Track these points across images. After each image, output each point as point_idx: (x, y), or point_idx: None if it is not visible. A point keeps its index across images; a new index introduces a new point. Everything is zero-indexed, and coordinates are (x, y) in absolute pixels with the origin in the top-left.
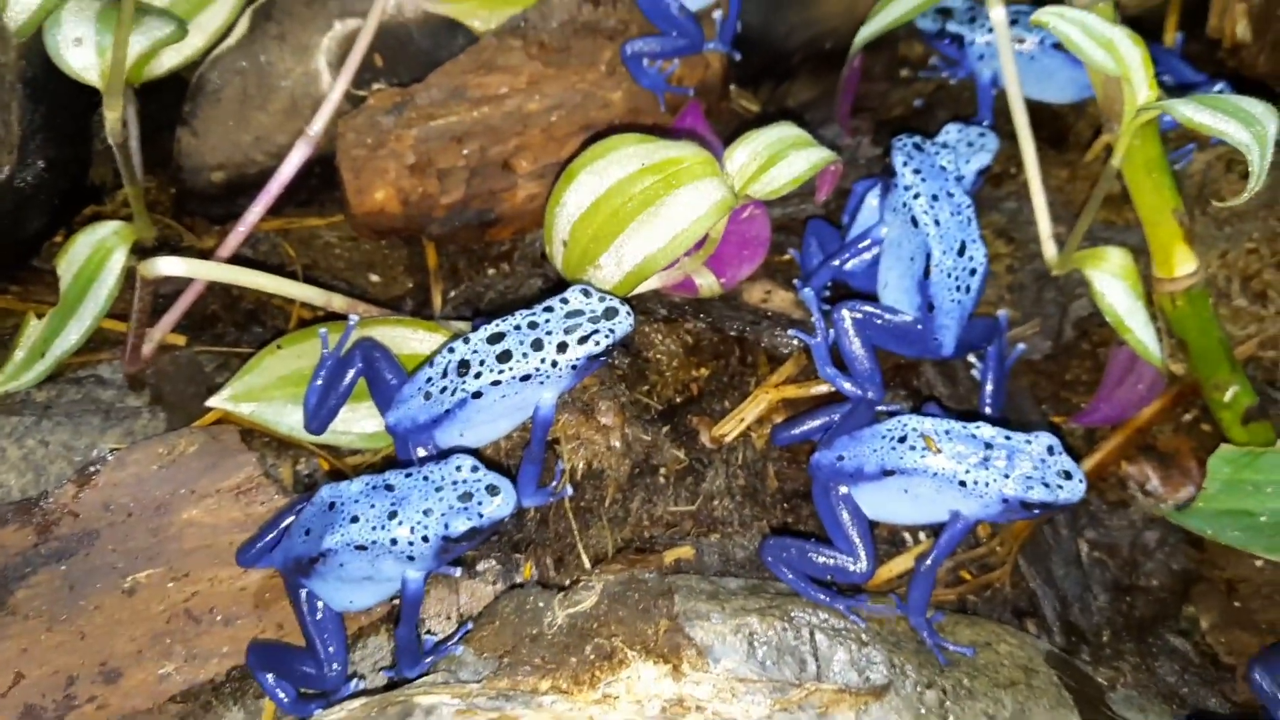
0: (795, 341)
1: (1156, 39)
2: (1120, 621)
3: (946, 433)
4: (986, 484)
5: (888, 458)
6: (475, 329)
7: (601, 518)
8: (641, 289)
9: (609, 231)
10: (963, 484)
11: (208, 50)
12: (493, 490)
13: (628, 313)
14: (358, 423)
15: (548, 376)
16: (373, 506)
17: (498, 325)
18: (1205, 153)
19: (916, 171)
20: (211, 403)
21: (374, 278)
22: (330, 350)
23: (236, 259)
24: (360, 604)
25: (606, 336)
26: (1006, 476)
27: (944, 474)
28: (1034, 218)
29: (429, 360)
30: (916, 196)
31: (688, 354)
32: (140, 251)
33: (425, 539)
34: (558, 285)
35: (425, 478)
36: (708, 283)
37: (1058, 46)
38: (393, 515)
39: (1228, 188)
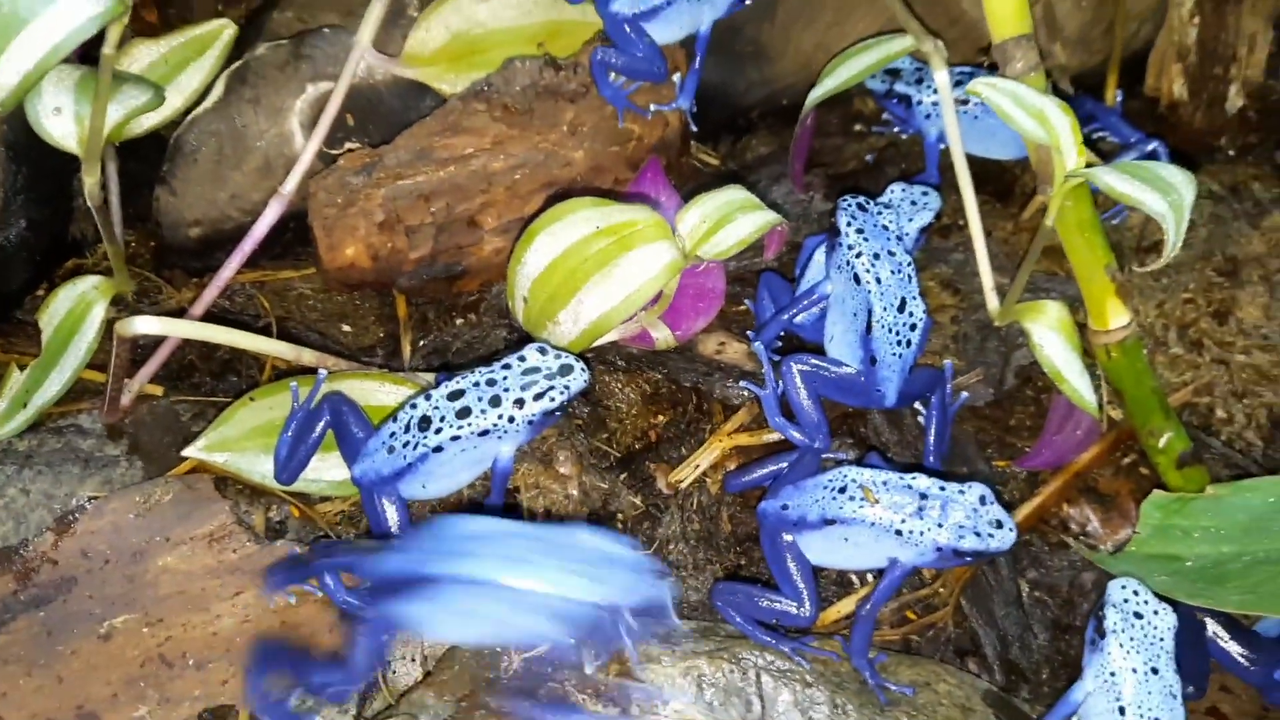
0: (746, 392)
1: (1098, 96)
2: (1059, 660)
3: (884, 483)
4: (921, 533)
5: (829, 507)
6: (438, 384)
7: None
8: (600, 341)
9: (566, 290)
10: (899, 533)
11: (186, 110)
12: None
13: (582, 369)
14: (328, 471)
15: (505, 431)
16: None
17: (458, 382)
18: None
19: (859, 231)
20: (187, 452)
21: (346, 328)
22: (300, 404)
23: (212, 311)
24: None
25: (561, 393)
26: (940, 525)
27: (881, 523)
28: (979, 269)
29: (392, 415)
30: (859, 255)
31: (646, 402)
32: (120, 303)
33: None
34: (523, 335)
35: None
36: (663, 335)
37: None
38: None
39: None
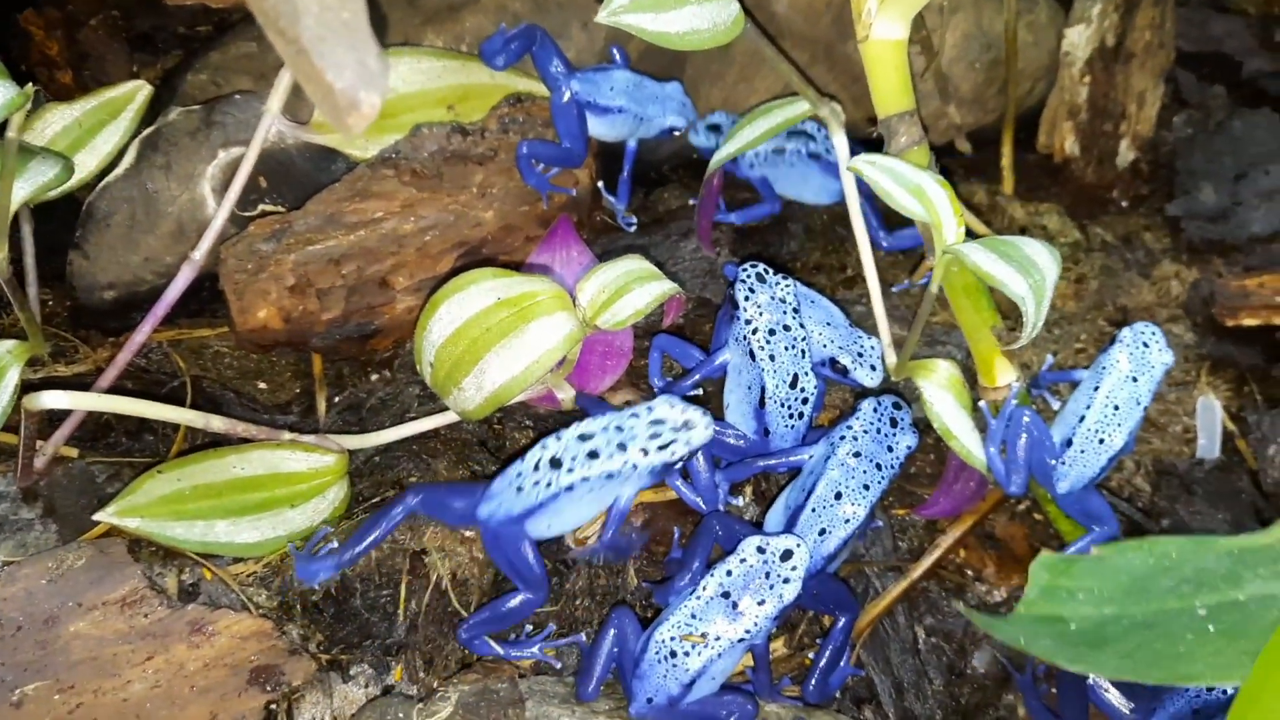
0: None
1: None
2: (953, 705)
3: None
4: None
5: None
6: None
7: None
8: (510, 402)
9: (470, 358)
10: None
11: (102, 173)
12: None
13: (706, 426)
14: (240, 534)
15: (629, 477)
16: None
17: (587, 424)
18: None
19: (756, 305)
20: (99, 517)
21: (262, 385)
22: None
23: (129, 370)
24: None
25: (684, 446)
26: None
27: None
28: (878, 325)
29: (519, 457)
30: (755, 331)
31: None
32: (36, 363)
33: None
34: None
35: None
36: (568, 396)
37: (813, 155)
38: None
39: (1058, 295)
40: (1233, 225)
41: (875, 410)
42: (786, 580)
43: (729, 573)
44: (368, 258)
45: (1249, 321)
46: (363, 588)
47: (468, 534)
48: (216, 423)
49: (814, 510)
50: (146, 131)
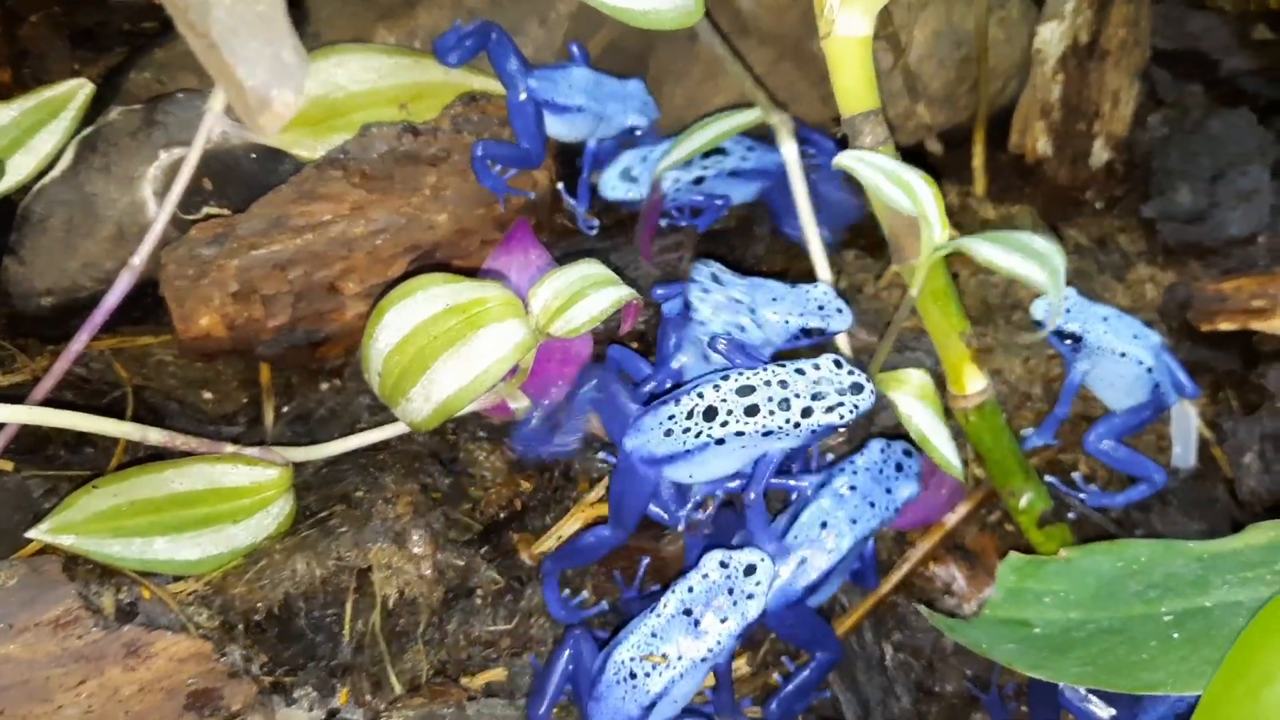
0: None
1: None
2: None
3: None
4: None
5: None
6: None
7: (418, 641)
8: (462, 412)
9: (417, 368)
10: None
11: (40, 174)
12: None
13: (871, 391)
14: (180, 551)
15: (787, 435)
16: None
17: (749, 376)
18: None
19: (711, 305)
20: (32, 534)
21: (207, 395)
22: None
23: (68, 380)
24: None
25: (850, 411)
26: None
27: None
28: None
29: (674, 397)
30: (711, 336)
31: (511, 470)
32: None
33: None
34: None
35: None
36: (522, 406)
37: (733, 174)
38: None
39: (1029, 296)
40: (1209, 227)
41: (883, 451)
42: (750, 596)
43: (690, 589)
44: (315, 262)
45: (1225, 326)
46: (307, 607)
47: (415, 551)
48: (154, 435)
49: (795, 537)
50: (85, 132)
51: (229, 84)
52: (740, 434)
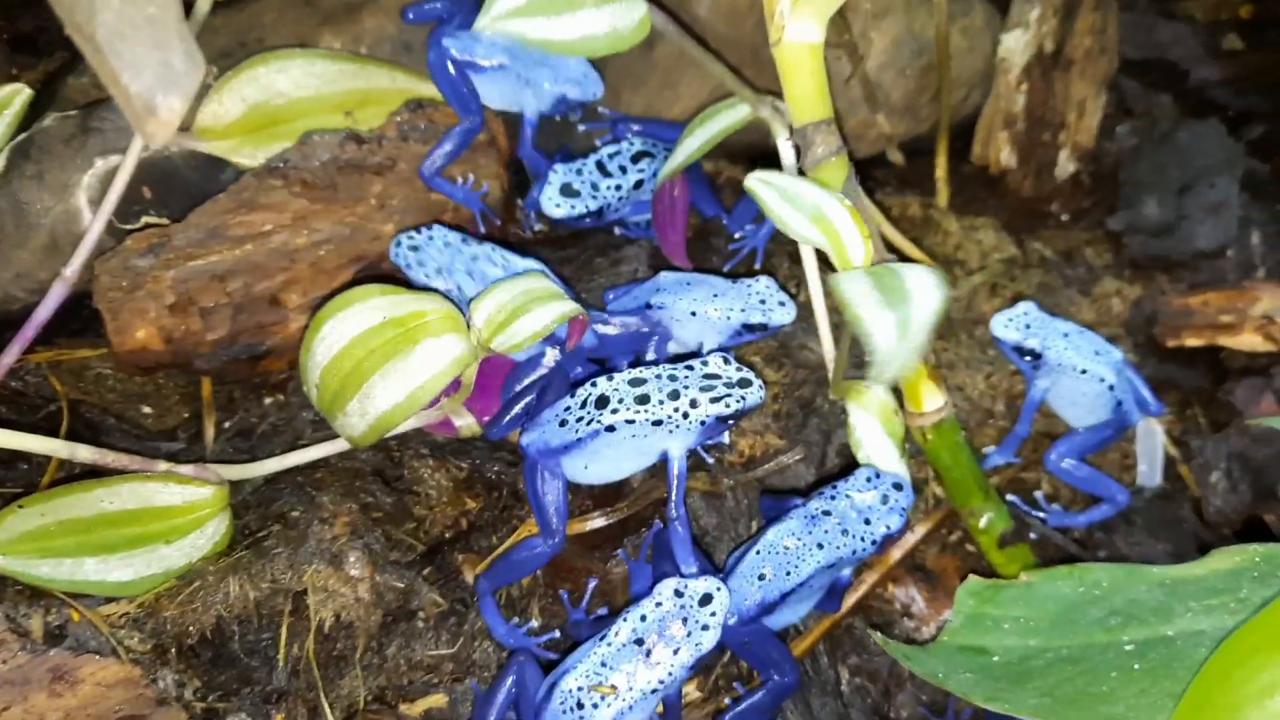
0: None
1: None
2: None
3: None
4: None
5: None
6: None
7: (355, 666)
8: (404, 428)
9: (354, 382)
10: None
11: None
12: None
13: (760, 387)
14: (111, 572)
15: (677, 426)
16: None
17: (640, 372)
18: (971, 277)
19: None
20: None
21: (147, 409)
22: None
23: (1, 394)
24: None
25: (738, 402)
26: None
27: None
28: (807, 342)
29: (570, 391)
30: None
31: (458, 488)
32: None
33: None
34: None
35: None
36: (467, 423)
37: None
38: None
39: (991, 309)
40: (1177, 240)
41: (869, 480)
42: (705, 628)
43: (643, 617)
44: (256, 274)
45: (1192, 342)
46: (241, 630)
47: (352, 574)
48: (84, 453)
49: (759, 553)
50: (19, 138)
51: (116, 90)
52: (630, 422)
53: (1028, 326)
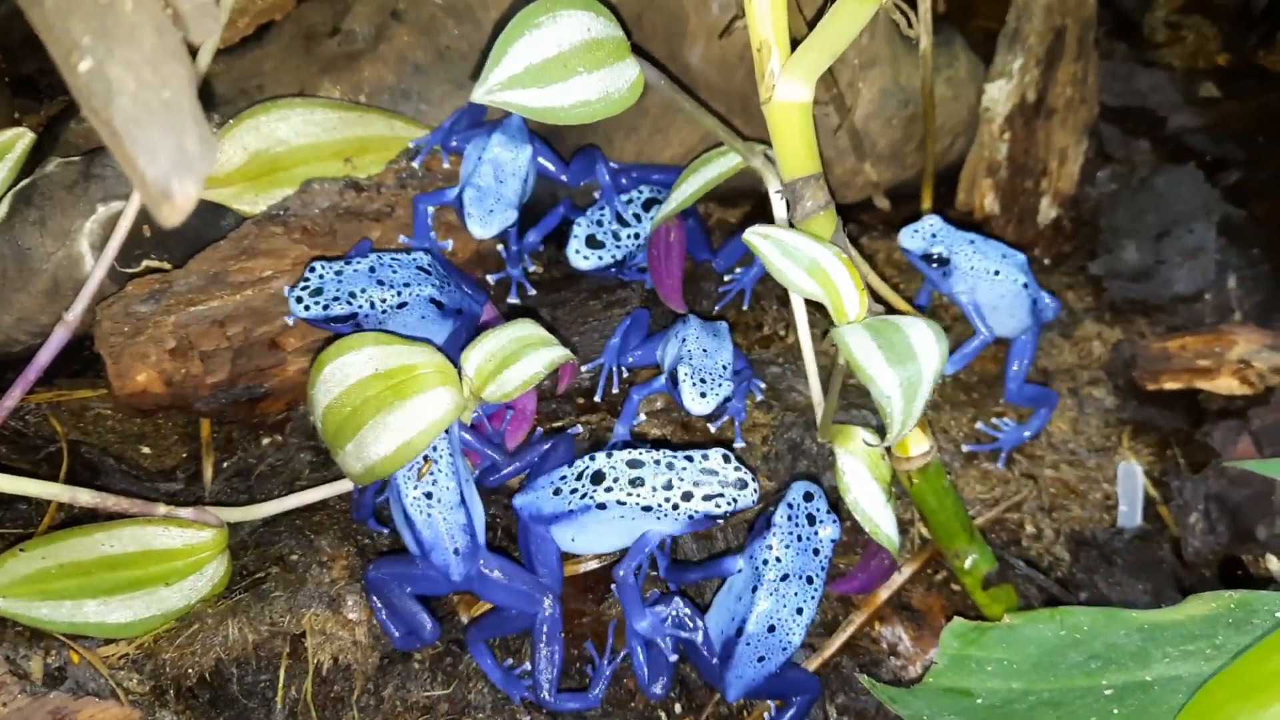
0: None
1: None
2: None
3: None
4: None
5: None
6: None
7: (352, 708)
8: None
9: (351, 427)
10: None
11: None
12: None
13: (754, 491)
14: (110, 614)
15: (665, 515)
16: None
17: (640, 454)
18: (956, 323)
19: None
20: None
21: (146, 450)
22: None
23: (1, 435)
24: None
25: (729, 503)
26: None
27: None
28: (795, 384)
29: (568, 460)
30: None
31: None
32: None
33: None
34: (329, 456)
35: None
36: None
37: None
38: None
39: (979, 357)
40: (1156, 284)
41: (790, 517)
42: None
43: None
44: (255, 318)
45: (1170, 385)
46: (240, 672)
47: (350, 616)
48: (84, 497)
49: (749, 644)
50: (21, 184)
51: (133, 173)
52: (621, 503)
53: (934, 235)
